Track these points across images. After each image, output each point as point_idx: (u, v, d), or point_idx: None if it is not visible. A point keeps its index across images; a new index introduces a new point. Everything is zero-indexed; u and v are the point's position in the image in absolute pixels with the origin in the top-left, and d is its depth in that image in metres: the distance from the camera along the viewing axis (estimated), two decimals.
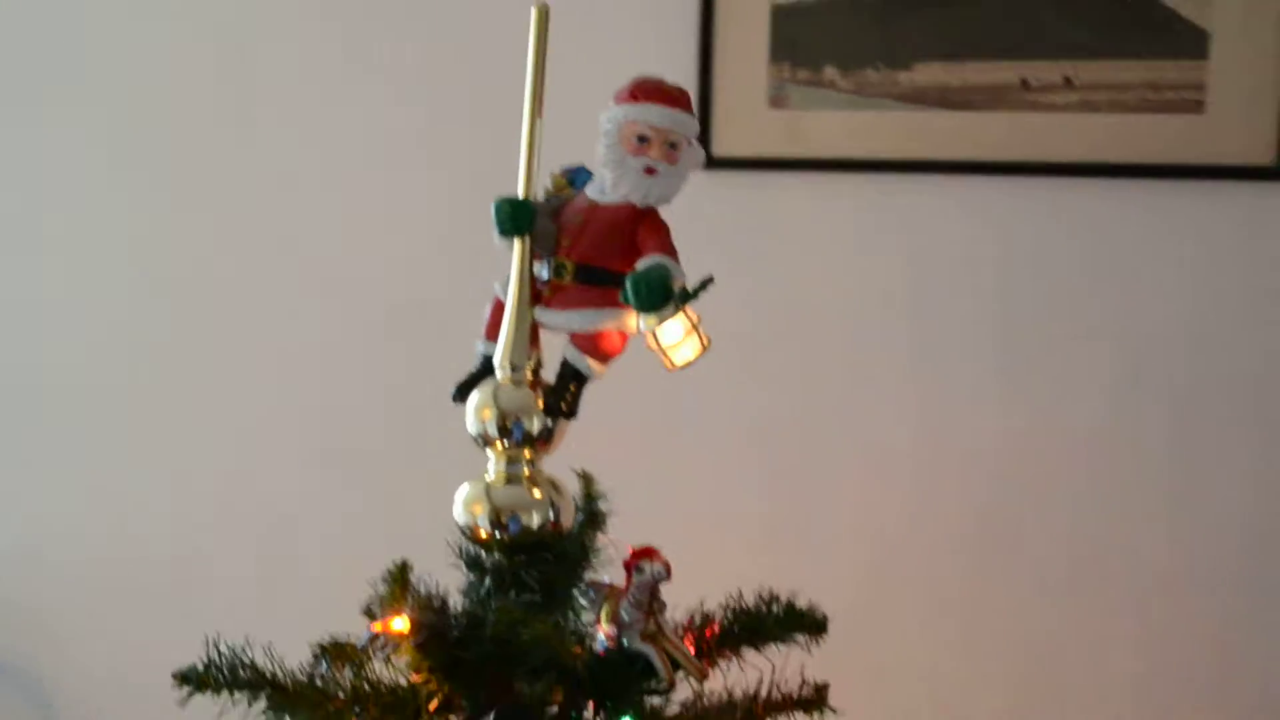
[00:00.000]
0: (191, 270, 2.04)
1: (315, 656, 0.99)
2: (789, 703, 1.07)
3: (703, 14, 1.78)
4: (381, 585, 1.03)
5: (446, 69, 1.93)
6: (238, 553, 2.07)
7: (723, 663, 1.09)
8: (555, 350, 1.04)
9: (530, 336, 1.04)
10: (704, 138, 1.73)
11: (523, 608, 0.97)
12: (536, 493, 1.03)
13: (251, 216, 2.02)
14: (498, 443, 1.02)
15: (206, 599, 2.03)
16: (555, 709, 0.97)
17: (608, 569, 1.10)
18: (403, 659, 0.98)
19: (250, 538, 2.06)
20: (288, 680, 0.98)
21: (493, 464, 1.04)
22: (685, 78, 1.58)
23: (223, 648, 0.98)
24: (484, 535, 1.02)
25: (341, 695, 0.98)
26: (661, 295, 0.97)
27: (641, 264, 0.98)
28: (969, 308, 1.78)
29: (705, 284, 0.98)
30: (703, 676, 1.03)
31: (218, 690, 0.97)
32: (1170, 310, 1.72)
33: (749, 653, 1.10)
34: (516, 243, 1.03)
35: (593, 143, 1.06)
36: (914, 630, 1.84)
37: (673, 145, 1.01)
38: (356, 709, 0.98)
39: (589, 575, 1.09)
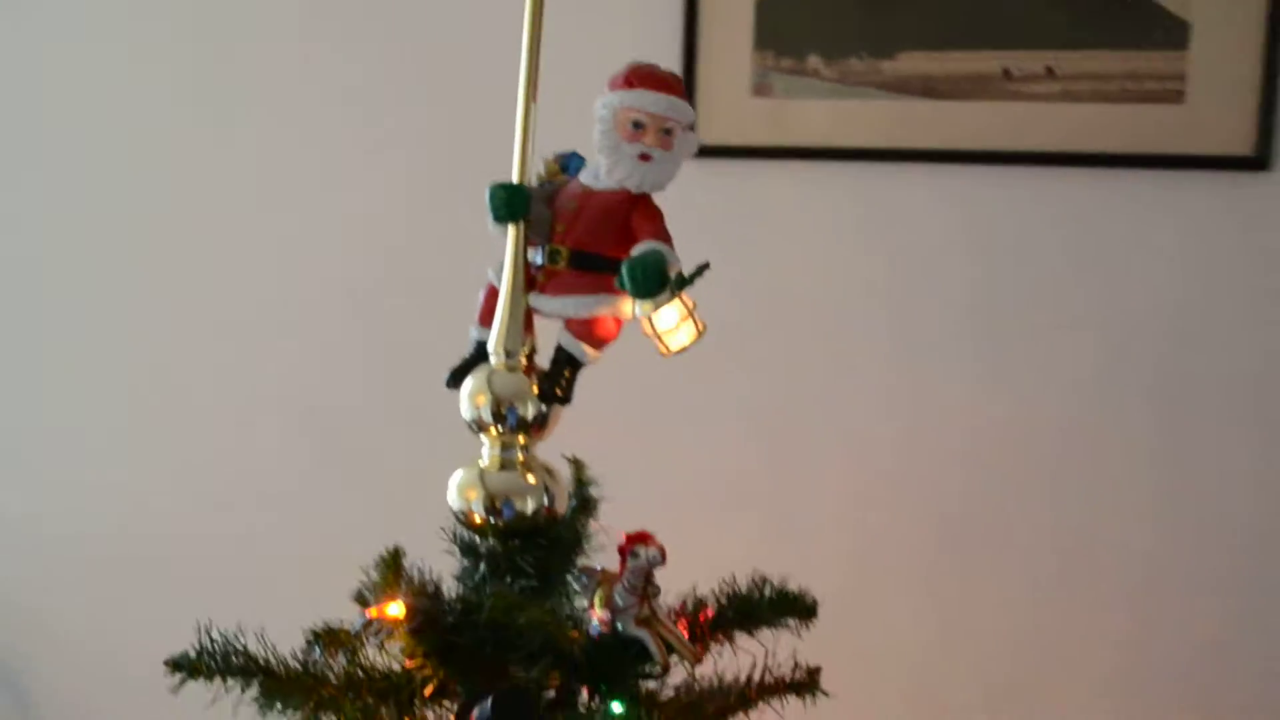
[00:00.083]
0: (182, 262, 2.04)
1: (308, 642, 0.98)
2: (781, 686, 1.07)
3: (687, 2, 1.78)
4: (374, 572, 1.03)
5: (431, 60, 1.93)
6: (228, 540, 2.07)
7: (714, 647, 1.10)
8: (549, 335, 1.04)
9: (524, 322, 1.03)
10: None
11: (518, 593, 0.97)
12: (531, 478, 1.03)
13: (240, 209, 2.02)
14: (492, 428, 1.02)
15: (198, 587, 2.02)
16: (552, 693, 0.97)
17: (598, 554, 1.11)
18: (396, 644, 0.98)
19: (240, 525, 2.07)
20: (280, 667, 0.98)
21: (487, 449, 1.03)
22: (669, 66, 1.56)
23: (215, 634, 0.98)
24: (479, 521, 1.02)
25: (334, 681, 0.98)
26: (657, 281, 0.97)
27: (637, 250, 0.98)
28: (952, 296, 1.79)
29: (701, 270, 0.99)
30: (697, 660, 1.04)
31: (210, 677, 0.97)
32: (1150, 298, 1.74)
33: (736, 639, 1.11)
34: (511, 229, 1.03)
35: (576, 129, 1.06)
36: (896, 619, 1.85)
37: (667, 131, 1.01)
38: (350, 695, 0.98)
39: (581, 561, 1.09)
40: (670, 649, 1.02)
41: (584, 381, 1.04)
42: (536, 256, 1.04)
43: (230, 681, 0.97)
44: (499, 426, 1.02)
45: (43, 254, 2.09)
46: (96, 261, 2.08)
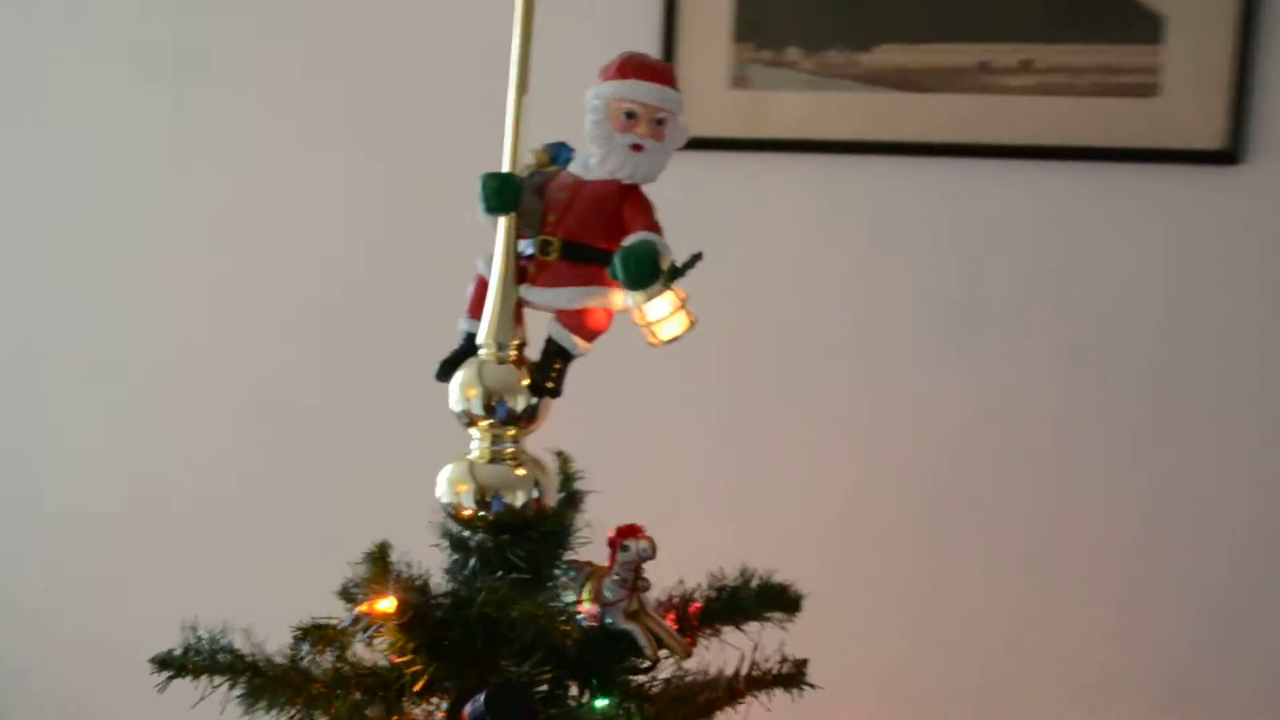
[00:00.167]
0: (172, 261, 2.04)
1: (296, 639, 0.97)
2: (769, 679, 1.07)
3: None
4: (361, 567, 1.02)
5: (406, 58, 1.92)
6: (209, 537, 2.06)
7: (699, 641, 1.10)
8: (539, 327, 1.03)
9: (514, 314, 1.03)
10: None
11: (510, 586, 0.96)
12: (521, 471, 1.02)
13: (212, 201, 2.01)
14: (482, 421, 1.01)
15: (181, 583, 2.01)
16: (545, 688, 0.96)
17: (584, 548, 1.10)
18: (384, 640, 0.97)
19: (220, 522, 2.06)
20: (267, 664, 0.97)
21: (477, 442, 1.03)
22: None
23: (201, 632, 0.96)
24: (468, 514, 1.01)
25: (322, 678, 0.97)
26: (650, 272, 0.97)
27: (629, 241, 0.98)
28: (928, 287, 1.80)
29: (693, 261, 0.98)
30: (687, 653, 1.03)
31: (197, 675, 0.95)
32: (1122, 290, 1.75)
33: (722, 633, 1.11)
34: (502, 219, 1.02)
35: (556, 121, 1.05)
36: (876, 614, 1.85)
37: (659, 122, 1.01)
38: (338, 692, 0.97)
39: (568, 554, 1.08)
40: (660, 642, 1.02)
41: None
42: (526, 247, 1.03)
43: (217, 679, 0.95)
44: (489, 419, 1.01)
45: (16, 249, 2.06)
46: (55, 251, 2.06)
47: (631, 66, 1.01)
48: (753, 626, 1.10)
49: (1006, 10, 1.72)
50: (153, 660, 0.95)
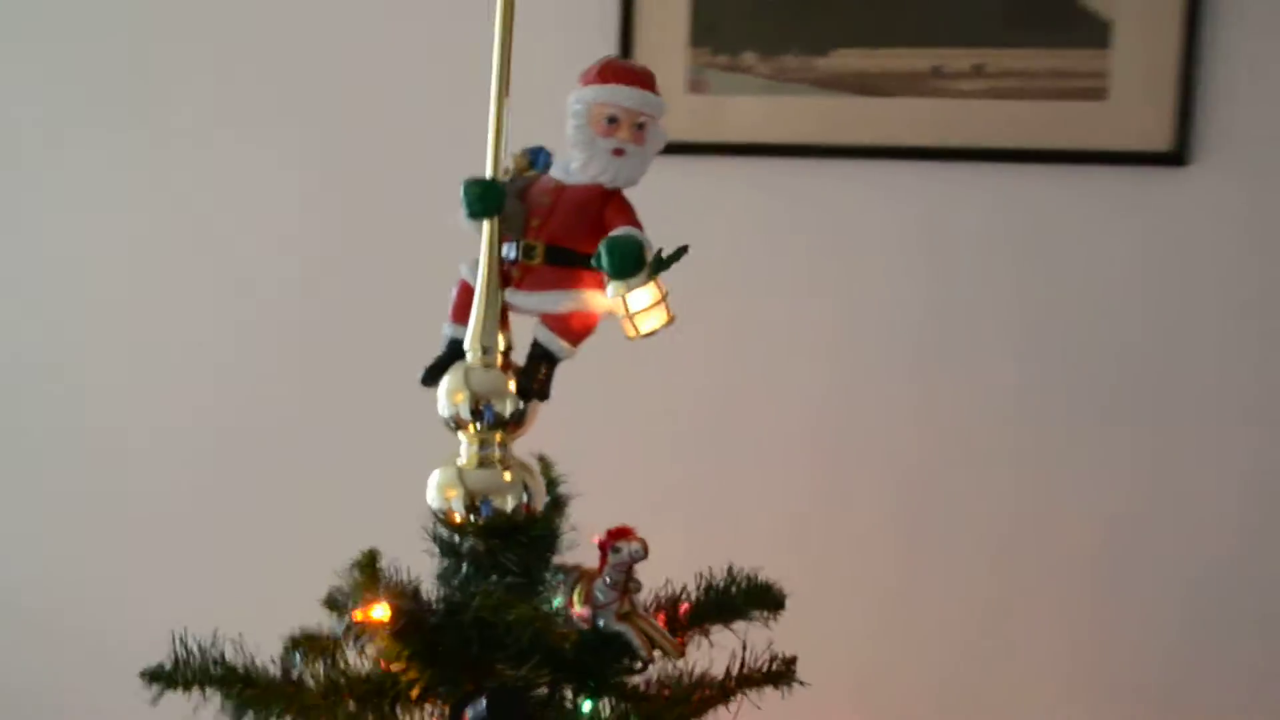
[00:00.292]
0: (154, 263, 2.01)
1: (287, 649, 0.96)
2: (759, 677, 1.08)
3: None
4: (350, 575, 1.01)
5: (374, 64, 1.91)
6: (195, 547, 2.03)
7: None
8: (524, 331, 1.03)
9: (499, 318, 1.03)
10: None
11: (504, 590, 0.96)
12: (509, 476, 1.02)
13: (174, 210, 2.00)
14: (470, 426, 1.01)
15: (173, 588, 1.98)
16: (544, 691, 0.96)
17: (570, 552, 1.10)
18: (377, 648, 0.96)
19: (208, 528, 2.03)
20: (260, 675, 0.96)
21: (465, 448, 1.02)
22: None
23: (191, 643, 0.95)
24: (458, 519, 1.01)
25: (315, 688, 0.96)
26: (634, 261, 0.97)
27: (615, 232, 0.99)
28: (886, 287, 1.82)
29: (679, 253, 0.99)
30: (679, 653, 1.04)
31: (188, 687, 0.94)
32: (1070, 289, 1.79)
33: (709, 632, 1.12)
34: (485, 224, 1.02)
35: (515, 124, 1.05)
36: (850, 614, 1.87)
37: (640, 126, 1.02)
38: (331, 701, 0.96)
39: (556, 557, 1.08)
40: (653, 643, 1.02)
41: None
42: (509, 252, 1.03)
43: (208, 691, 0.94)
44: (477, 424, 1.01)
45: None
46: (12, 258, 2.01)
47: (613, 71, 1.01)
48: (739, 626, 1.11)
49: (959, 15, 1.75)
50: (143, 674, 0.93)
